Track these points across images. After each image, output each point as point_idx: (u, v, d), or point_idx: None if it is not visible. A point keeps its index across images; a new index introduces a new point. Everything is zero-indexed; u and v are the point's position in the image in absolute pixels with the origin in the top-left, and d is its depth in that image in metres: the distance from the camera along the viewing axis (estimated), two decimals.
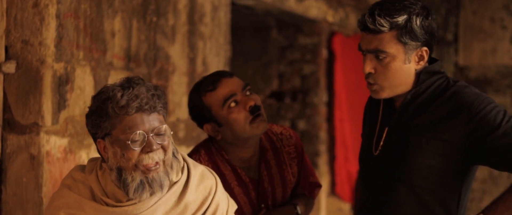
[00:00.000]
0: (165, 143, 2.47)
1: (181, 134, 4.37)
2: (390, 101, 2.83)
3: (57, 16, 3.37)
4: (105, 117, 2.44)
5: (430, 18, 2.71)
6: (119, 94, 2.43)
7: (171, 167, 2.51)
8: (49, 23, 3.33)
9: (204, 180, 2.62)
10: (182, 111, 4.42)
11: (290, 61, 6.82)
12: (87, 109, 3.58)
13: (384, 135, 2.80)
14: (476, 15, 8.60)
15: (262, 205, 3.05)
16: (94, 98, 2.51)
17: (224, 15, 4.88)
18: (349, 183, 6.89)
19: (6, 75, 3.32)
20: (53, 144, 3.37)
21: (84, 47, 3.57)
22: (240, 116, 2.93)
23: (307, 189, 3.18)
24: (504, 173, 7.80)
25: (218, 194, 2.63)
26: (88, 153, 3.60)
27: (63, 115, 3.43)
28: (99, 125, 2.46)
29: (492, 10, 8.54)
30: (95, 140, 2.52)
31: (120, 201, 2.49)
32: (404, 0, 2.70)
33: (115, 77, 3.79)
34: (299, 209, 3.09)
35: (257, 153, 3.07)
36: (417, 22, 2.68)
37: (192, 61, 4.51)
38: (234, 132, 2.96)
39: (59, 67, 3.39)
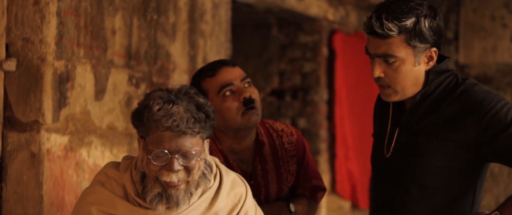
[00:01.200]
0: (191, 164, 2.41)
1: None
2: (399, 101, 2.78)
3: (58, 14, 3.37)
4: (141, 123, 2.41)
5: (437, 18, 2.65)
6: (156, 107, 2.37)
7: (197, 187, 2.47)
8: (49, 21, 3.33)
9: (235, 188, 2.60)
10: None
11: (290, 59, 6.81)
12: (87, 108, 3.60)
13: (395, 136, 2.76)
14: (477, 13, 8.60)
15: (254, 199, 3.04)
16: (145, 95, 2.48)
17: (224, 13, 4.88)
18: (349, 181, 6.89)
19: (6, 73, 3.32)
20: (53, 142, 3.37)
21: (85, 45, 3.57)
22: (233, 106, 2.92)
23: (308, 191, 3.16)
24: (504, 171, 7.80)
25: (248, 202, 2.61)
26: (89, 151, 3.60)
27: (64, 113, 3.43)
28: (137, 127, 2.44)
29: (493, 8, 8.53)
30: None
31: None
32: (411, 1, 2.64)
33: (115, 75, 3.80)
34: (292, 207, 3.06)
35: (252, 147, 3.05)
36: (425, 24, 2.62)
37: (192, 59, 4.51)
38: (226, 121, 2.95)
39: (60, 65, 3.39)
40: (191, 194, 2.45)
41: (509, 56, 8.57)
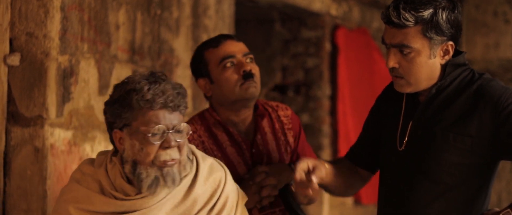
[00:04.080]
0: (182, 142, 2.48)
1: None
2: (413, 94, 2.76)
3: (62, 9, 3.36)
4: (127, 108, 2.45)
5: (456, 11, 2.63)
6: (145, 88, 2.44)
7: (185, 168, 2.52)
8: (53, 15, 3.33)
9: (213, 173, 2.62)
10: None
11: (293, 54, 6.81)
12: (91, 103, 3.59)
13: (408, 130, 2.73)
14: (479, 9, 8.59)
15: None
16: (117, 87, 2.51)
17: (228, 8, 4.88)
18: None
19: (10, 68, 3.32)
20: (57, 136, 3.37)
21: (89, 39, 3.57)
22: (232, 77, 2.99)
23: None
24: (506, 167, 7.80)
25: (228, 187, 2.63)
26: (92, 146, 3.60)
27: (68, 107, 3.43)
28: (120, 115, 2.47)
29: (495, 4, 8.52)
30: (111, 129, 2.52)
31: (128, 195, 2.50)
32: None
33: (119, 70, 3.79)
34: (294, 167, 3.10)
35: (250, 120, 3.11)
36: (443, 16, 2.59)
37: None
38: (223, 92, 3.02)
39: (64, 59, 3.39)
40: (181, 174, 2.50)
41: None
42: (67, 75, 3.42)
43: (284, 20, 6.78)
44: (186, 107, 2.52)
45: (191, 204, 2.55)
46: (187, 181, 2.56)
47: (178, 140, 2.47)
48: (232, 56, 3.00)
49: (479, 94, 2.64)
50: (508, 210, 2.58)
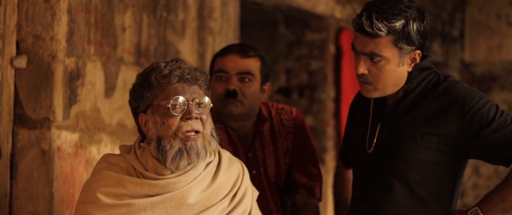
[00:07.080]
0: (204, 116, 2.55)
1: None
2: (381, 98, 2.84)
3: (69, 11, 3.36)
4: (147, 88, 2.54)
5: (425, 21, 2.72)
6: (162, 65, 2.54)
7: (210, 143, 2.58)
8: (60, 18, 3.33)
9: (233, 163, 2.70)
10: None
11: (297, 57, 6.81)
12: (97, 105, 3.59)
13: (377, 132, 2.81)
14: (482, 11, 8.60)
15: (254, 172, 3.13)
16: (138, 74, 2.60)
17: (233, 10, 4.88)
18: None
19: (17, 70, 3.32)
20: (64, 139, 3.37)
21: (95, 42, 3.57)
22: (218, 90, 3.09)
23: (305, 177, 3.23)
24: (507, 170, 7.79)
25: (246, 179, 2.71)
26: (99, 148, 3.60)
27: (74, 110, 3.43)
28: (142, 96, 2.54)
29: (498, 7, 8.53)
30: (136, 115, 2.58)
31: (163, 175, 2.55)
32: (400, 3, 2.70)
33: (125, 72, 3.79)
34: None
35: (251, 125, 3.17)
36: (414, 27, 2.68)
37: (201, 56, 4.51)
38: (212, 100, 3.09)
39: (70, 62, 3.39)
40: (206, 148, 2.55)
41: None
42: (74, 78, 3.42)
43: (288, 22, 6.78)
44: (206, 84, 2.59)
45: (216, 190, 2.60)
46: (212, 168, 2.63)
47: (199, 113, 2.53)
48: (224, 72, 3.08)
49: (445, 96, 2.73)
50: (476, 208, 2.68)
